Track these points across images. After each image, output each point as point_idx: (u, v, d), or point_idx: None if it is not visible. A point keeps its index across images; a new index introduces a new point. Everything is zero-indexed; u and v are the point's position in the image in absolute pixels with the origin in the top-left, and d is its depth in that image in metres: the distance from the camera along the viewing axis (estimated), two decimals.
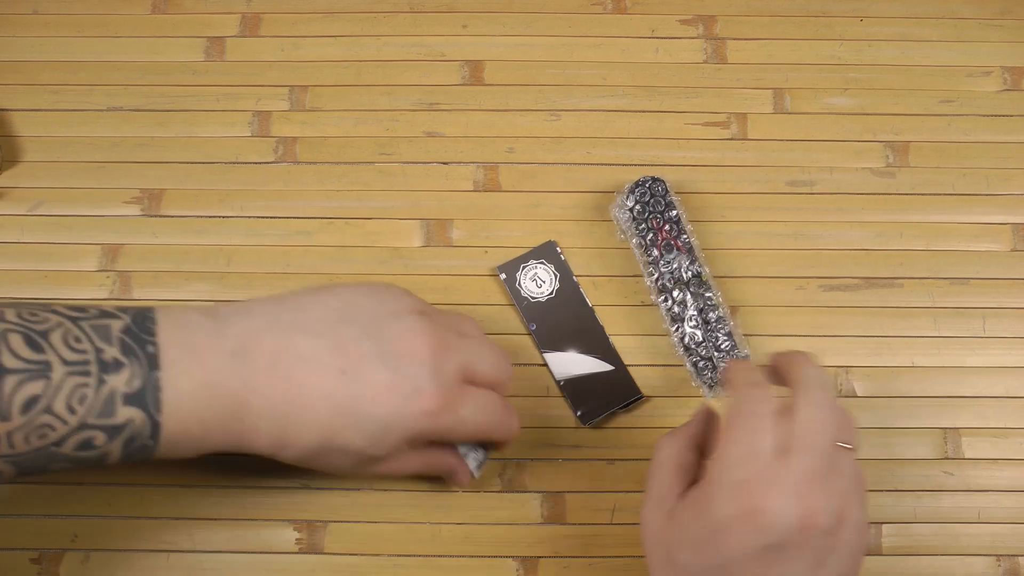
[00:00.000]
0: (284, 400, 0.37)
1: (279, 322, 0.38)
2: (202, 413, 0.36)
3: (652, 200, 0.49)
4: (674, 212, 0.49)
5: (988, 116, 0.54)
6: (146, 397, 0.35)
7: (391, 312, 0.39)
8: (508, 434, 0.43)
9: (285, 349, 0.37)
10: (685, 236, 0.49)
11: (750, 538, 0.32)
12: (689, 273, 0.48)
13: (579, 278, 0.51)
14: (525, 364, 0.50)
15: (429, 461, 0.42)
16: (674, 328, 0.48)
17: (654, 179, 0.50)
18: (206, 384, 0.36)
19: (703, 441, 0.38)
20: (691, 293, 0.47)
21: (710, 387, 0.48)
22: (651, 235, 0.48)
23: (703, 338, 0.47)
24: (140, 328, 0.36)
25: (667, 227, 0.48)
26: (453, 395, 0.39)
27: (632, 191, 0.50)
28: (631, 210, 0.49)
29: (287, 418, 0.37)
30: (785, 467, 0.32)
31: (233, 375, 0.36)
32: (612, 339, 0.50)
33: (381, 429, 0.38)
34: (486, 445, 0.44)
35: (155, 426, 0.35)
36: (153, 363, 0.35)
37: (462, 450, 0.43)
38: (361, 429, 0.38)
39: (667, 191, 0.49)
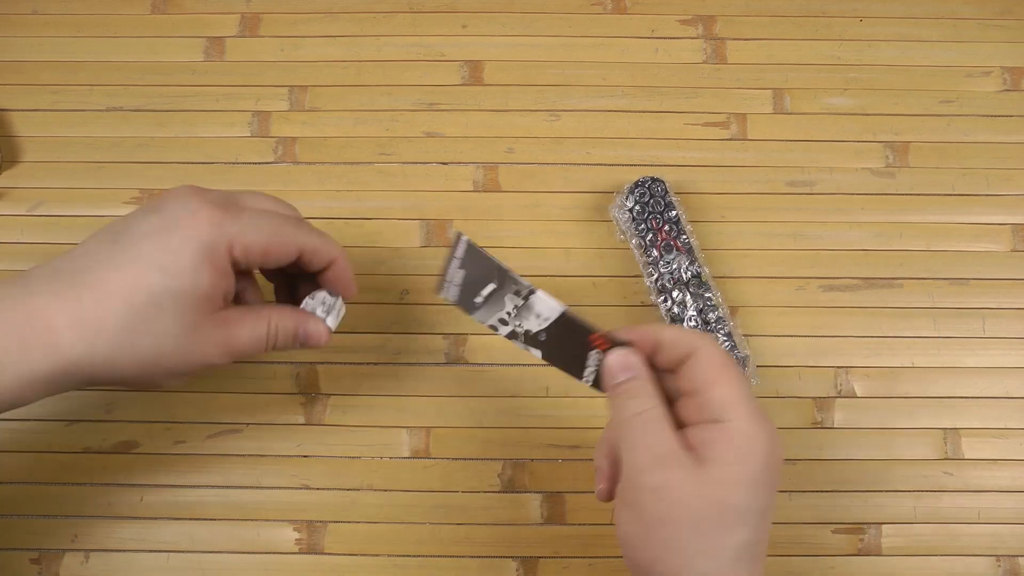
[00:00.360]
0: (70, 283, 0.35)
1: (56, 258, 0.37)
2: None
3: (652, 200, 0.49)
4: (674, 212, 0.49)
5: (988, 116, 0.54)
6: None
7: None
8: (327, 250, 0.40)
9: (61, 258, 0.36)
10: (685, 236, 0.49)
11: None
12: (689, 273, 0.48)
13: (579, 278, 0.51)
14: (525, 364, 0.50)
15: (270, 321, 0.39)
16: None
17: (654, 179, 0.50)
18: None
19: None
20: (691, 293, 0.47)
21: None
22: (651, 235, 0.48)
23: None
24: None
25: (667, 227, 0.48)
26: (228, 206, 0.37)
27: (632, 191, 0.50)
28: (631, 210, 0.49)
29: (82, 303, 0.34)
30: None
31: (15, 293, 0.35)
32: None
33: (177, 252, 0.35)
34: (331, 293, 0.41)
35: None
36: None
37: (308, 306, 0.41)
38: (154, 263, 0.35)
39: (667, 191, 0.49)
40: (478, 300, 0.39)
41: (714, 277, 0.50)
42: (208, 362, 0.37)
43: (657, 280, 0.48)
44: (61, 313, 0.34)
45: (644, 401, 0.35)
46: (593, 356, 0.37)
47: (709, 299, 0.47)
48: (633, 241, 0.49)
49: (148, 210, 0.37)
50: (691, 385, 0.35)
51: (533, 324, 0.38)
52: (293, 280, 0.43)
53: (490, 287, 0.38)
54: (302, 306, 0.41)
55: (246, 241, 0.37)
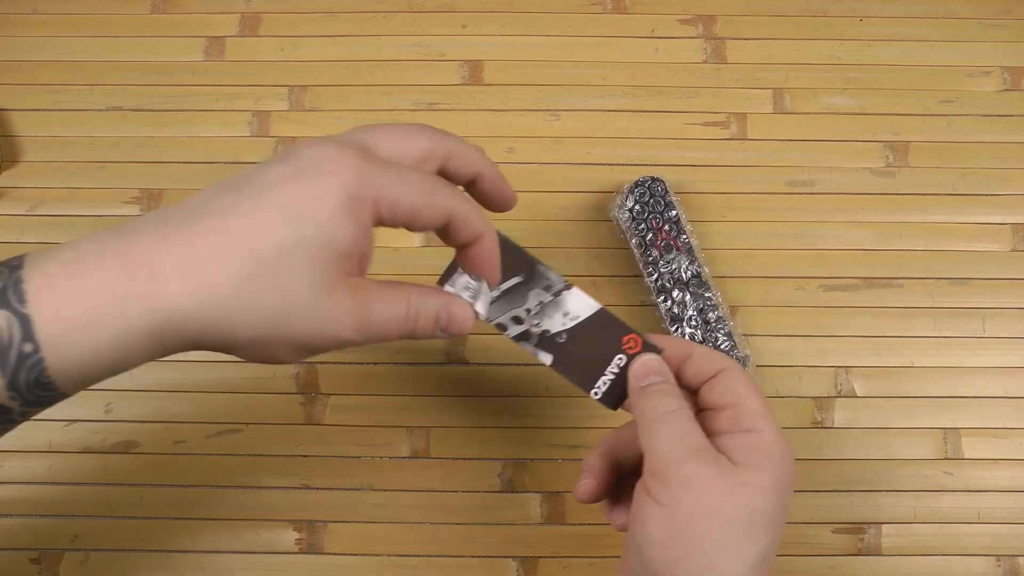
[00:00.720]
0: (181, 228, 0.29)
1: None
2: (78, 282, 0.28)
3: (652, 200, 0.49)
4: (674, 212, 0.49)
5: (988, 116, 0.54)
6: (7, 294, 0.28)
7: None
8: (479, 222, 0.34)
9: (171, 207, 0.31)
10: (685, 236, 0.49)
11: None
12: (688, 273, 0.48)
13: (579, 278, 0.51)
14: (524, 364, 0.50)
15: (410, 299, 0.33)
16: (674, 328, 0.47)
17: (654, 179, 0.50)
18: (77, 257, 0.29)
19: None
20: (691, 293, 0.47)
21: None
22: (650, 235, 0.48)
23: (703, 338, 0.47)
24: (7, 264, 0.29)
25: (667, 227, 0.48)
26: (373, 156, 0.32)
27: (632, 191, 0.50)
28: (630, 210, 0.49)
29: (194, 249, 0.29)
30: None
31: (111, 240, 0.29)
32: None
33: (316, 198, 0.30)
34: (474, 277, 0.36)
35: (24, 320, 0.27)
36: (13, 266, 0.29)
37: (450, 288, 0.36)
38: (289, 209, 0.29)
39: (667, 191, 0.49)
40: (495, 294, 0.36)
41: (714, 277, 0.50)
42: (340, 335, 0.31)
43: (657, 280, 0.48)
44: (168, 259, 0.29)
45: (676, 401, 0.35)
46: (615, 362, 0.37)
47: (709, 299, 0.47)
48: (633, 241, 0.49)
49: (277, 159, 0.31)
50: (721, 399, 0.35)
51: (556, 323, 0.37)
52: None
53: (514, 280, 0.37)
54: (447, 286, 0.36)
55: (394, 196, 0.31)
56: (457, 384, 0.50)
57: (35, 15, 0.56)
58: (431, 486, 0.48)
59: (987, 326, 0.50)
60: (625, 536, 0.35)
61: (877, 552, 0.47)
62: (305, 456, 0.48)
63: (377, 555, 0.47)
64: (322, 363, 0.50)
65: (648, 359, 0.36)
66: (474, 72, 0.55)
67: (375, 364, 0.50)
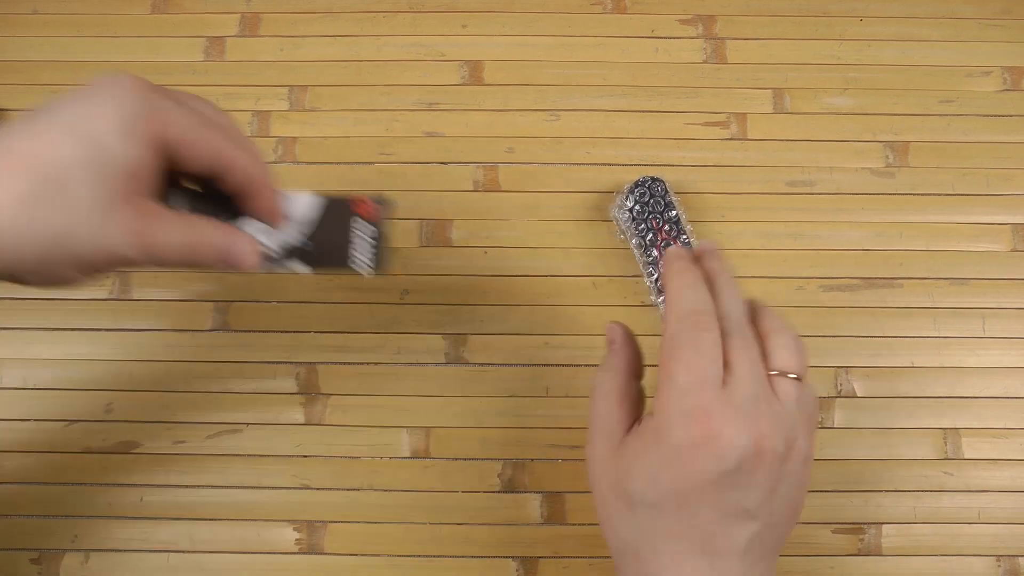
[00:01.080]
0: None
1: None
2: None
3: (652, 200, 0.49)
4: (674, 212, 0.49)
5: (988, 116, 0.54)
6: None
7: None
8: (251, 167, 0.35)
9: None
10: (685, 236, 0.48)
11: (707, 464, 0.31)
12: None
13: (579, 278, 0.51)
14: (524, 365, 0.50)
15: (196, 227, 0.34)
16: None
17: (654, 179, 0.50)
18: None
19: (639, 367, 0.37)
20: None
21: None
22: (651, 235, 0.48)
23: None
24: None
25: (667, 227, 0.48)
26: (159, 87, 0.33)
27: (632, 191, 0.50)
28: (630, 210, 0.49)
29: None
30: (731, 393, 0.32)
31: None
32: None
33: (96, 117, 0.31)
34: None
35: None
36: None
37: (245, 228, 0.37)
38: (70, 129, 0.31)
39: (667, 191, 0.49)
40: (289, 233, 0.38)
41: None
42: (120, 252, 0.32)
43: (657, 280, 0.48)
44: None
45: (603, 375, 0.37)
46: (354, 229, 0.37)
47: None
48: (633, 241, 0.49)
49: (72, 89, 0.32)
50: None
51: (294, 233, 0.38)
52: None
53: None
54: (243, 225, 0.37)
55: (175, 122, 0.32)
56: (457, 384, 0.50)
57: (35, 15, 0.56)
58: (431, 486, 0.48)
59: (987, 326, 0.50)
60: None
61: (877, 552, 0.47)
62: (305, 456, 0.48)
63: (377, 555, 0.47)
64: (322, 363, 0.50)
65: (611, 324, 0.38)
66: (474, 72, 0.55)
67: (375, 364, 0.50)
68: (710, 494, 0.32)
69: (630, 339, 0.38)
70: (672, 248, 0.37)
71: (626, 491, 0.33)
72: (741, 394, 0.32)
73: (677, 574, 0.32)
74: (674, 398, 0.32)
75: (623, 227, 0.50)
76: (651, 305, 0.50)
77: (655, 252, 0.48)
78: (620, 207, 0.50)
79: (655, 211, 0.49)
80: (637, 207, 0.49)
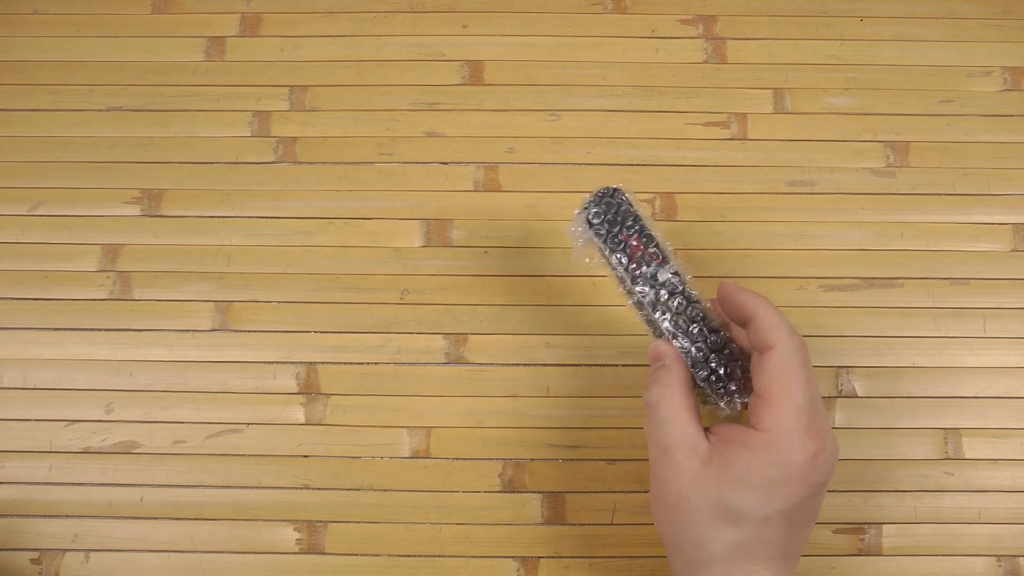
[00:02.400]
0: None
1: None
2: None
3: (616, 214, 0.42)
4: (638, 223, 0.42)
5: (988, 116, 0.54)
6: None
7: None
8: None
9: None
10: (655, 244, 0.42)
11: (820, 478, 0.35)
12: (675, 278, 0.41)
13: (579, 278, 0.51)
14: (524, 364, 0.50)
15: None
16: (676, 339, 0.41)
17: (613, 190, 0.42)
18: None
19: (692, 382, 0.39)
20: (680, 316, 0.41)
21: (727, 402, 0.40)
22: (623, 252, 0.41)
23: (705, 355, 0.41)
24: None
25: (635, 240, 0.41)
26: None
27: (592, 208, 0.42)
28: (596, 230, 0.42)
29: None
30: (820, 411, 0.36)
31: None
32: (615, 338, 0.50)
33: None
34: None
35: None
36: None
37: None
38: None
39: (627, 201, 0.42)
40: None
41: (714, 277, 0.50)
42: None
43: (648, 298, 0.41)
44: None
45: (664, 390, 0.38)
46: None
47: (696, 308, 0.41)
48: (613, 258, 0.42)
49: None
50: (759, 381, 0.36)
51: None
52: None
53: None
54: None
55: None
56: (457, 384, 0.50)
57: (35, 15, 0.56)
58: (431, 486, 0.48)
59: (988, 326, 0.50)
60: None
61: (878, 552, 0.47)
62: (305, 456, 0.48)
63: (377, 555, 0.47)
64: (322, 363, 0.50)
65: (653, 345, 0.40)
66: (474, 72, 0.55)
67: (375, 364, 0.50)
68: (808, 505, 0.35)
69: (680, 356, 0.39)
70: (728, 283, 0.39)
71: (731, 506, 0.34)
72: (822, 410, 0.36)
73: None
74: (793, 416, 0.34)
75: (590, 247, 0.43)
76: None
77: (642, 267, 0.41)
78: (579, 230, 0.42)
79: (624, 224, 0.42)
80: (600, 227, 0.42)
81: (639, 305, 0.42)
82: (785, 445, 0.34)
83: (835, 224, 0.52)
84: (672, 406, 0.37)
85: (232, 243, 0.52)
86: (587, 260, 0.43)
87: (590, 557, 0.47)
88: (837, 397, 0.49)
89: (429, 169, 0.53)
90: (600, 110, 0.54)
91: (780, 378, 0.35)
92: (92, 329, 0.50)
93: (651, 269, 0.41)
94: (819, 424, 0.35)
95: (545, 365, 0.50)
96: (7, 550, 0.47)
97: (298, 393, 0.49)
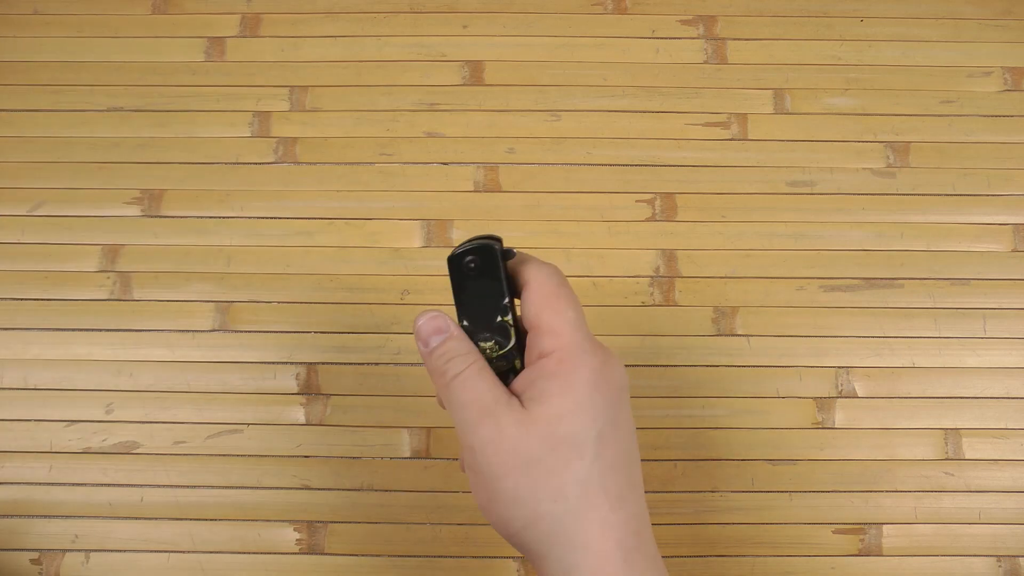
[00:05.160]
0: None
1: None
2: None
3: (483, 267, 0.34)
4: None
5: (989, 116, 0.54)
6: None
7: None
8: None
9: None
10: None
11: (620, 380, 0.33)
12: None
13: (579, 278, 0.51)
14: None
15: None
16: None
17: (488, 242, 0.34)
18: None
19: None
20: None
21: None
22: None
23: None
24: None
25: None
26: None
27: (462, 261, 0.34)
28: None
29: None
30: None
31: None
32: (615, 338, 0.50)
33: None
34: None
35: None
36: None
37: None
38: None
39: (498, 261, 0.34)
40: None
41: (714, 277, 0.50)
42: None
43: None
44: None
45: (460, 361, 0.33)
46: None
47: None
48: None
49: None
50: (527, 321, 0.33)
51: None
52: None
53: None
54: None
55: None
56: None
57: (36, 15, 0.56)
58: (431, 486, 0.48)
59: (988, 326, 0.50)
60: None
61: (878, 553, 0.47)
62: (305, 456, 0.48)
63: (377, 555, 0.47)
64: (322, 363, 0.50)
65: (426, 320, 0.34)
66: (475, 72, 0.55)
67: (375, 364, 0.50)
68: (626, 412, 0.33)
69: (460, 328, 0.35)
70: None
71: (566, 436, 0.31)
72: None
73: (636, 507, 0.32)
74: (572, 328, 0.32)
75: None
76: (651, 305, 0.50)
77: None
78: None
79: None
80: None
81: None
82: (579, 353, 0.32)
83: (835, 224, 0.52)
84: (480, 369, 0.33)
85: (232, 243, 0.52)
86: None
87: None
88: (837, 397, 0.49)
89: (429, 169, 0.53)
90: (600, 110, 0.54)
91: (545, 301, 0.33)
92: (92, 329, 0.50)
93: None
94: (592, 336, 0.33)
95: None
96: (7, 550, 0.47)
97: (298, 393, 0.49)
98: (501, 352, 0.34)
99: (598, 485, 0.31)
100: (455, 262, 0.34)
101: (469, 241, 0.34)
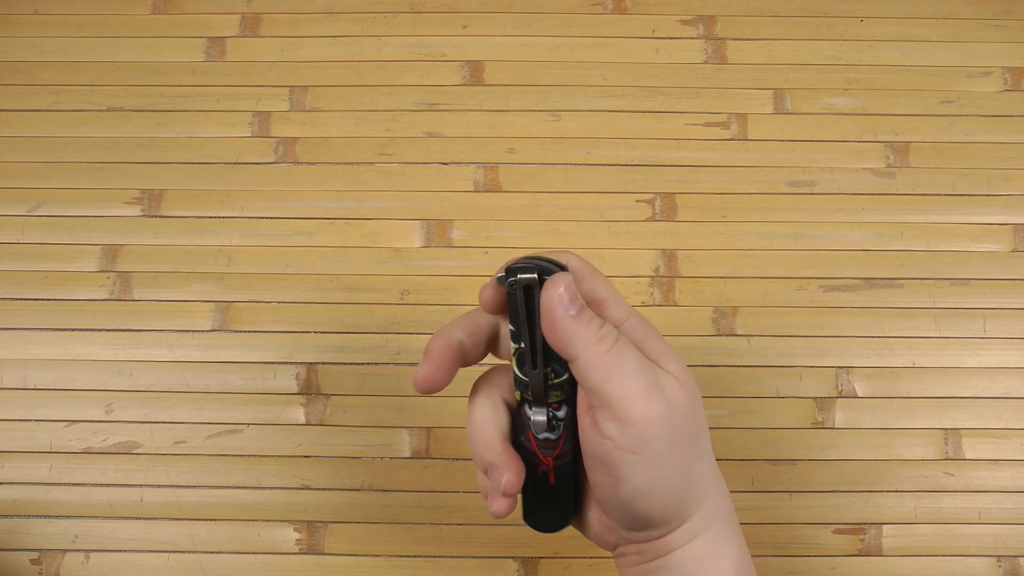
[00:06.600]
0: None
1: None
2: None
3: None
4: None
5: (988, 116, 0.54)
6: None
7: None
8: None
9: None
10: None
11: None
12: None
13: None
14: None
15: None
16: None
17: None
18: None
19: None
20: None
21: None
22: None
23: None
24: None
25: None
26: None
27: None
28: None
29: None
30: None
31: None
32: None
33: None
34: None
35: None
36: None
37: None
38: None
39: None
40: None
41: (714, 277, 0.50)
42: None
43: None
44: None
45: (611, 329, 0.31)
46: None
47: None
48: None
49: None
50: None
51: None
52: None
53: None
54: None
55: None
56: (457, 384, 0.49)
57: (36, 16, 0.56)
58: (431, 486, 0.48)
59: (988, 326, 0.50)
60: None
61: (878, 553, 0.47)
62: (305, 456, 0.48)
63: (377, 555, 0.47)
64: (322, 363, 0.50)
65: (568, 282, 0.30)
66: (475, 72, 0.55)
67: (375, 364, 0.50)
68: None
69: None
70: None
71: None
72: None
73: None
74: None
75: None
76: (650, 305, 0.50)
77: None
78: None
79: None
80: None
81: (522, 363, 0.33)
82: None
83: (835, 224, 0.52)
84: (627, 341, 0.31)
85: (232, 243, 0.52)
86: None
87: (590, 557, 0.47)
88: (837, 397, 0.49)
89: (429, 169, 0.53)
90: (600, 110, 0.54)
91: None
92: (92, 329, 0.50)
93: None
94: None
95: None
96: (7, 550, 0.47)
97: (298, 393, 0.49)
98: (557, 381, 0.32)
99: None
100: (513, 281, 0.31)
101: (531, 260, 0.31)
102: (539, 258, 0.32)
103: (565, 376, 0.32)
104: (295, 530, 0.47)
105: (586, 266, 0.33)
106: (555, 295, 0.30)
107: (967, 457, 0.48)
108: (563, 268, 0.31)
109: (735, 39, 0.56)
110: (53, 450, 0.48)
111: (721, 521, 0.33)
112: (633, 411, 0.30)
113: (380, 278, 0.51)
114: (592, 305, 0.32)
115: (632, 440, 0.30)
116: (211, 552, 0.47)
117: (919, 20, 0.56)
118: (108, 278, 0.51)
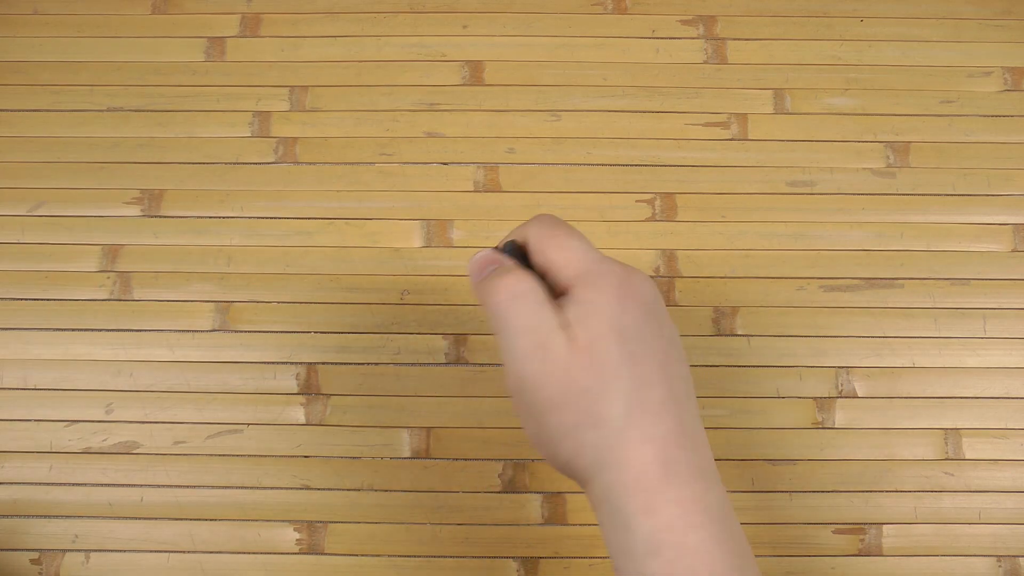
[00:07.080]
0: None
1: None
2: None
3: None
4: None
5: (989, 116, 0.54)
6: None
7: None
8: None
9: None
10: None
11: (647, 295, 0.33)
12: None
13: None
14: None
15: None
16: None
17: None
18: None
19: None
20: None
21: None
22: None
23: None
24: None
25: None
26: None
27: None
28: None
29: None
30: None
31: None
32: None
33: None
34: None
35: None
36: None
37: None
38: None
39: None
40: None
41: (714, 277, 0.50)
42: None
43: None
44: None
45: (518, 282, 0.32)
46: None
47: None
48: None
49: None
50: (538, 269, 0.33)
51: None
52: None
53: None
54: None
55: None
56: (457, 384, 0.50)
57: (36, 16, 0.56)
58: (431, 486, 0.48)
59: (988, 326, 0.50)
60: None
61: (878, 553, 0.47)
62: (305, 456, 0.48)
63: (377, 555, 0.47)
64: (322, 363, 0.50)
65: (481, 254, 0.34)
66: (475, 72, 0.55)
67: (375, 364, 0.50)
68: (658, 323, 0.32)
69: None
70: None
71: (605, 363, 0.30)
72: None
73: (678, 420, 0.31)
74: (582, 255, 0.33)
75: None
76: None
77: None
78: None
79: None
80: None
81: None
82: (597, 274, 0.31)
83: (835, 224, 0.52)
84: (539, 297, 0.32)
85: (232, 243, 0.52)
86: None
87: (590, 557, 0.47)
88: (837, 397, 0.49)
89: (429, 169, 0.53)
90: (600, 110, 0.54)
91: (546, 242, 0.33)
92: (92, 329, 0.50)
93: None
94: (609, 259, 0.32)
95: None
96: (7, 550, 0.47)
97: (298, 393, 0.49)
98: None
99: (637, 403, 0.30)
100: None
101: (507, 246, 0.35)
102: (512, 243, 0.35)
103: None
104: (295, 530, 0.47)
105: (544, 235, 0.34)
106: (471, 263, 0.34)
107: (967, 457, 0.48)
108: (520, 250, 0.35)
109: (735, 39, 0.56)
110: (53, 450, 0.48)
111: (622, 497, 0.30)
112: (512, 367, 0.31)
113: (380, 278, 0.51)
114: (548, 276, 0.33)
115: (514, 396, 0.32)
116: (211, 552, 0.47)
117: (919, 20, 0.56)
118: (108, 278, 0.51)
